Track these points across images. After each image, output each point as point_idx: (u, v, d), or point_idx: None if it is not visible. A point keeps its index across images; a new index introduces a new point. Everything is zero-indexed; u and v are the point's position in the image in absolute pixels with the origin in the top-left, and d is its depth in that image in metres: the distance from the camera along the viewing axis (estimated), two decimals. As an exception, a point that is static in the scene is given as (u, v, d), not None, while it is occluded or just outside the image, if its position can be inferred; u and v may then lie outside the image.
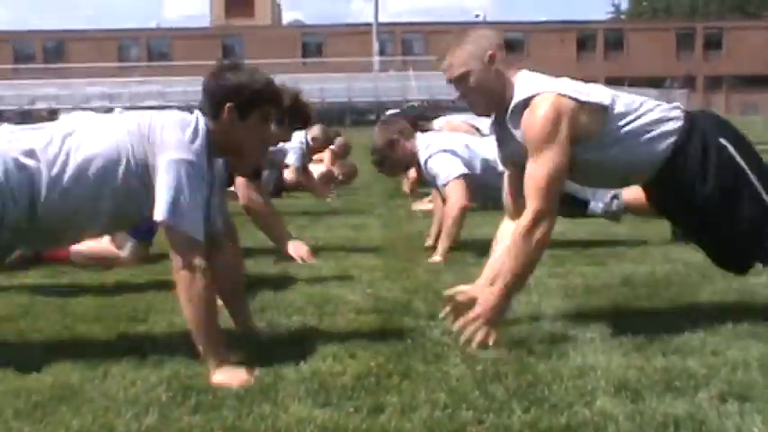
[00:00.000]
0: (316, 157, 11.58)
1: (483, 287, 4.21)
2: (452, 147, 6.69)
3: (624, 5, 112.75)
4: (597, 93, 4.08)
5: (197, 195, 3.67)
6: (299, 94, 6.33)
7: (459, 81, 4.13)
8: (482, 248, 5.32)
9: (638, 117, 4.10)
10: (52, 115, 59.11)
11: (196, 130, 3.78)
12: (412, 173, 9.10)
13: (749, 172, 4.07)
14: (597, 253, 6.48)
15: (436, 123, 11.01)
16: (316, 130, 10.58)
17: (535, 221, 3.88)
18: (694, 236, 4.60)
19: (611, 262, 6.12)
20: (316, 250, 6.65)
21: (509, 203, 4.41)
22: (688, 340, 3.92)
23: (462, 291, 4.32)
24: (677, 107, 4.26)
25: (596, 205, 6.81)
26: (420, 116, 9.51)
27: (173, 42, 75.71)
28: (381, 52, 66.05)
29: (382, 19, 67.64)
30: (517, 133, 4.05)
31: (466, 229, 6.68)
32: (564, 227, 7.02)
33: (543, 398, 3.22)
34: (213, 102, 3.88)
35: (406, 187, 11.10)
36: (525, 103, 3.98)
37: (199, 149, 3.73)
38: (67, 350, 3.90)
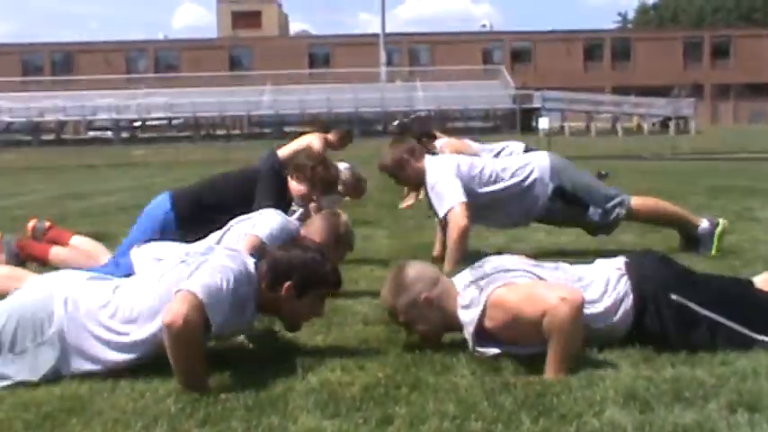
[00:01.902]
0: None
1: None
2: (456, 166, 6.67)
3: (631, 14, 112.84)
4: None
5: (231, 298, 3.70)
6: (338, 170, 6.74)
7: (406, 325, 4.21)
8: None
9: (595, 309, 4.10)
10: (61, 127, 59.39)
11: (251, 278, 3.87)
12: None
13: (707, 313, 4.05)
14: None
15: (437, 143, 10.98)
16: (345, 174, 10.43)
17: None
18: None
19: (619, 272, 6.10)
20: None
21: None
22: (696, 350, 3.91)
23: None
24: (621, 273, 4.21)
25: (595, 211, 6.77)
26: (423, 133, 9.37)
27: (180, 54, 75.83)
28: (388, 63, 66.06)
29: (389, 29, 67.61)
30: (493, 349, 4.03)
31: (474, 240, 6.68)
32: (572, 236, 7.03)
33: (552, 408, 3.22)
34: (275, 273, 3.92)
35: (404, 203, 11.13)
36: (480, 324, 3.96)
37: (246, 294, 3.83)
38: (77, 362, 3.90)
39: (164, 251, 5.16)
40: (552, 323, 3.66)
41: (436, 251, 6.98)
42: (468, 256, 6.37)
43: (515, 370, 3.72)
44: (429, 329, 4.14)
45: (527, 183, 6.63)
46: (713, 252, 6.61)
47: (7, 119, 56.91)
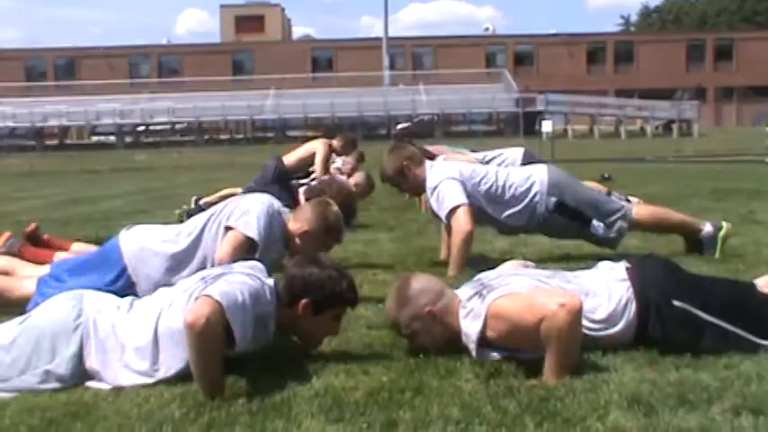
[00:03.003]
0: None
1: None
2: (458, 171, 6.67)
3: (634, 17, 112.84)
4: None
5: (251, 311, 3.71)
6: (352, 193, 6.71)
7: (409, 337, 4.20)
8: (493, 263, 5.32)
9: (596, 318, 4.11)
10: (64, 132, 59.41)
11: (270, 295, 3.90)
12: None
13: (710, 318, 4.05)
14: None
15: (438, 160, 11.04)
16: (359, 177, 10.44)
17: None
18: None
19: (622, 275, 6.09)
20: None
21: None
22: (701, 354, 3.90)
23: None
24: (623, 279, 4.21)
25: (598, 226, 6.76)
26: (411, 133, 9.41)
27: (183, 59, 75.89)
28: (391, 66, 66.16)
29: (392, 33, 67.75)
30: (496, 353, 4.03)
31: (478, 244, 6.68)
32: (576, 240, 7.02)
33: (556, 412, 3.22)
34: (292, 292, 3.93)
35: (422, 208, 11.04)
36: (482, 334, 3.96)
37: (267, 311, 3.86)
38: (81, 367, 3.90)
39: (152, 233, 5.15)
40: (550, 329, 3.65)
41: (443, 255, 6.97)
42: (473, 260, 6.38)
43: (519, 374, 3.72)
44: (431, 343, 4.13)
45: (528, 197, 6.61)
46: (717, 255, 6.61)
47: (11, 124, 57.06)
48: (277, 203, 5.30)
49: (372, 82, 62.51)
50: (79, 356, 3.75)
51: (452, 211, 6.42)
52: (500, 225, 6.90)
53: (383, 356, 4.03)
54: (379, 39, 66.94)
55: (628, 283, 4.17)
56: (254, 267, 4.04)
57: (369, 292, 5.67)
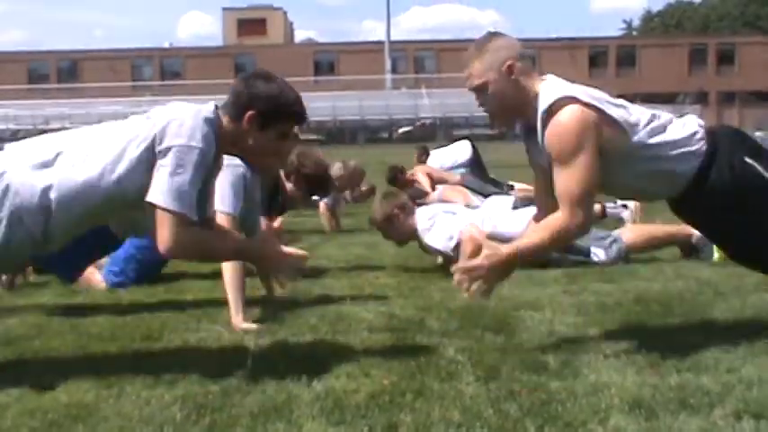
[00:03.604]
0: None
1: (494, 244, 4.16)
2: (442, 216, 6.74)
3: (636, 22, 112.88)
4: (623, 109, 4.04)
5: (197, 181, 3.75)
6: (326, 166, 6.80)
7: (478, 91, 4.12)
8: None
9: (664, 137, 4.08)
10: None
11: (211, 121, 3.83)
12: None
13: None
14: (610, 270, 6.47)
15: (436, 192, 11.12)
16: (336, 170, 10.40)
17: (566, 228, 3.89)
18: (726, 248, 4.58)
19: (623, 279, 6.10)
20: (328, 269, 6.67)
21: (540, 203, 4.38)
22: (702, 357, 3.90)
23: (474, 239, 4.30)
24: (700, 125, 4.23)
25: (598, 253, 6.77)
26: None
27: (185, 62, 76.03)
28: (393, 70, 66.24)
29: (394, 37, 67.87)
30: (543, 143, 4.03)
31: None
32: (577, 244, 7.01)
33: (557, 415, 3.22)
34: (237, 104, 3.92)
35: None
36: (549, 112, 3.95)
37: (209, 140, 3.79)
38: (82, 369, 3.91)
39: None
40: (554, 226, 3.92)
41: (440, 259, 6.97)
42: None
43: (520, 377, 3.72)
44: (498, 103, 4.10)
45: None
46: (716, 257, 6.59)
47: (13, 126, 57.06)
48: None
49: (374, 85, 62.59)
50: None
51: (455, 244, 6.45)
52: None
53: (384, 359, 4.02)
54: (381, 42, 67.06)
55: (704, 129, 4.20)
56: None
57: (370, 295, 5.68)
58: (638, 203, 8.45)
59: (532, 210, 5.82)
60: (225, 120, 3.91)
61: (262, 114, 3.89)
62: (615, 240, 6.79)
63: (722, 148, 4.12)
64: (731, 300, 5.18)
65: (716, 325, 4.64)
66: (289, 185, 6.58)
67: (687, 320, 4.79)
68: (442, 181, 11.68)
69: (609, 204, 8.42)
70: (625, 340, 4.20)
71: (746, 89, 76.05)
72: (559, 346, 4.21)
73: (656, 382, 3.59)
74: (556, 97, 3.93)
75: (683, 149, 4.09)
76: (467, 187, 10.88)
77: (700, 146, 4.12)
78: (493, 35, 4.21)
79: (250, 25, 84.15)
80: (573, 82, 4.14)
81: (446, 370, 3.84)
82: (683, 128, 4.15)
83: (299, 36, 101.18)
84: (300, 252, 4.06)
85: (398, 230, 6.87)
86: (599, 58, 79.16)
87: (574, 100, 3.92)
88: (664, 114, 4.22)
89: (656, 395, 3.42)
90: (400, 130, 20.62)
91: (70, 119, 57.74)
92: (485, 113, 4.22)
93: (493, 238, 5.16)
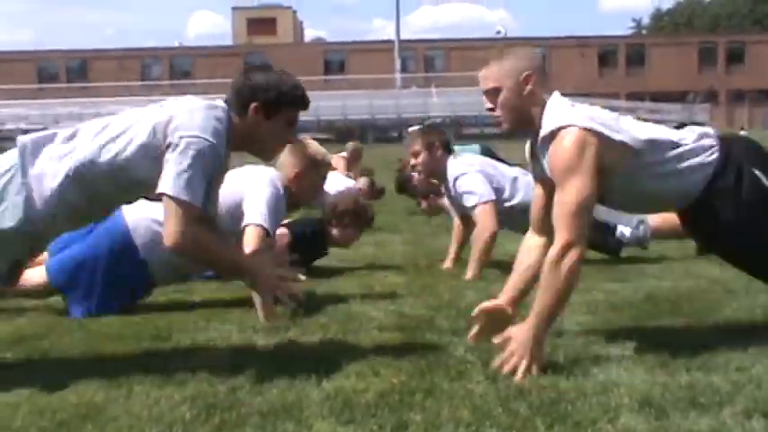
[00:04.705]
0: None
1: (515, 324, 4.10)
2: (483, 168, 6.64)
3: (645, 20, 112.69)
4: (627, 130, 4.00)
5: (206, 175, 3.79)
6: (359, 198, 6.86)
7: (490, 94, 4.10)
8: (505, 267, 5.32)
9: (671, 154, 4.07)
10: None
11: (220, 118, 3.87)
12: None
13: None
14: (619, 269, 6.47)
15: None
16: (362, 182, 10.42)
17: (564, 251, 3.77)
18: (729, 259, 4.56)
19: (633, 278, 6.10)
20: (338, 268, 6.68)
21: (535, 218, 4.36)
22: (712, 356, 3.90)
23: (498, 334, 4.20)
24: (711, 136, 4.21)
25: (624, 231, 6.77)
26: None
27: (195, 61, 76.10)
28: (403, 69, 66.18)
29: (404, 36, 67.82)
30: (545, 162, 4.03)
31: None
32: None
33: (567, 414, 3.21)
34: (240, 99, 3.98)
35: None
36: (552, 134, 3.94)
37: (220, 136, 3.84)
38: (91, 369, 3.91)
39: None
40: (552, 273, 3.78)
41: (449, 261, 6.92)
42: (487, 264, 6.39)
43: (530, 376, 3.71)
44: (506, 114, 4.08)
45: None
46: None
47: (23, 125, 57.05)
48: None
49: (384, 84, 62.57)
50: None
51: (482, 204, 6.35)
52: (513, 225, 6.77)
53: (394, 358, 4.02)
54: (390, 41, 67.03)
55: (715, 139, 4.20)
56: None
57: (380, 293, 5.68)
58: None
59: None
60: (232, 115, 3.96)
61: (266, 104, 3.96)
62: (642, 221, 6.78)
63: (733, 158, 4.11)
64: (741, 298, 5.17)
65: (726, 324, 4.63)
66: (335, 231, 6.59)
67: (697, 319, 4.78)
68: None
69: None
70: (635, 339, 4.19)
71: (756, 88, 75.85)
72: (569, 344, 4.20)
73: (665, 381, 3.58)
74: (559, 124, 3.92)
75: (694, 162, 4.09)
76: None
77: (712, 158, 4.12)
78: (515, 44, 4.26)
79: (260, 24, 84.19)
80: (580, 92, 4.17)
81: (456, 369, 3.83)
82: (695, 143, 4.14)
83: (309, 35, 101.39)
84: (298, 277, 3.99)
85: (432, 164, 6.76)
86: (609, 57, 79.03)
87: (575, 126, 3.91)
88: (674, 131, 4.21)
89: (665, 394, 3.41)
90: (409, 129, 20.58)
91: (80, 118, 57.87)
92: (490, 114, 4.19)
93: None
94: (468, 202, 6.43)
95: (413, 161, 6.82)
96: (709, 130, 4.30)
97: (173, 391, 3.59)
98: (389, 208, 11.97)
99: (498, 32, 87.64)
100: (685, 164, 4.08)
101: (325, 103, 57.34)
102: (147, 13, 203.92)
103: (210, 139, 3.77)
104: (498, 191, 6.54)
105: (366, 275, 6.51)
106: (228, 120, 3.92)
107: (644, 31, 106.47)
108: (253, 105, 3.95)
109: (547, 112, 4.01)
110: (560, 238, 3.81)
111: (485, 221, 6.31)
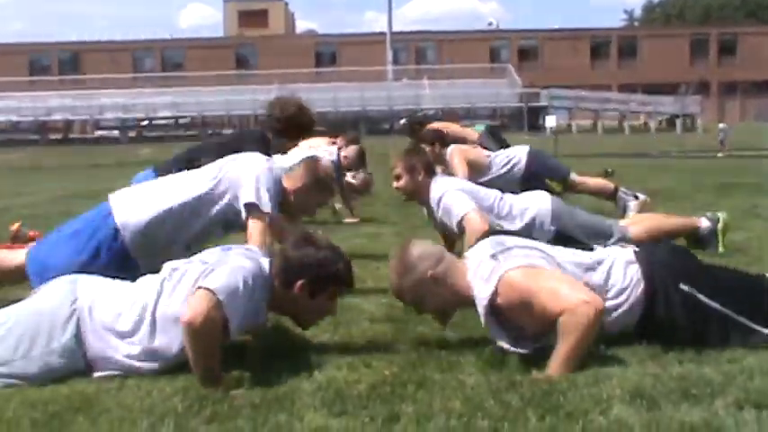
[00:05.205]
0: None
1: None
2: (464, 187, 6.61)
3: (638, 12, 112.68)
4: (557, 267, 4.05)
5: (246, 301, 3.71)
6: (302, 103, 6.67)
7: (416, 306, 4.18)
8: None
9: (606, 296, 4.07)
10: (68, 126, 59.47)
11: (266, 279, 3.88)
12: None
13: (715, 305, 4.03)
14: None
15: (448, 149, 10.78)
16: (351, 151, 10.29)
17: (582, 316, 3.71)
18: None
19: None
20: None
21: None
22: (704, 348, 3.90)
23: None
24: (632, 261, 4.20)
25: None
26: (436, 138, 9.11)
27: (187, 53, 75.79)
28: (395, 61, 66.04)
29: (396, 28, 67.70)
30: (503, 342, 3.99)
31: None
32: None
33: (558, 405, 3.22)
34: (288, 273, 3.91)
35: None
36: (492, 299, 3.93)
37: (262, 290, 3.85)
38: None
39: (143, 192, 5.08)
40: (570, 322, 3.65)
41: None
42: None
43: (522, 368, 3.72)
44: (441, 305, 4.12)
45: (526, 226, 6.48)
46: (720, 249, 6.60)
47: (15, 118, 56.98)
48: (270, 161, 5.26)
49: (376, 77, 62.40)
50: (76, 344, 3.75)
51: (463, 217, 6.32)
52: None
53: (386, 350, 4.03)
54: (382, 33, 66.82)
55: (636, 265, 4.16)
56: (250, 248, 4.05)
57: (372, 285, 5.68)
58: (647, 197, 8.43)
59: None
60: (276, 282, 3.92)
61: (312, 282, 3.91)
62: (620, 239, 6.71)
63: (659, 283, 4.11)
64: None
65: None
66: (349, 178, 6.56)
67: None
68: (459, 139, 11.00)
69: (622, 189, 8.44)
70: (627, 331, 4.19)
71: (748, 79, 75.85)
72: (561, 336, 4.20)
73: (657, 373, 3.59)
74: (494, 284, 3.93)
75: (620, 311, 4.11)
76: (483, 146, 10.43)
77: (637, 297, 4.12)
78: (404, 248, 4.21)
79: (251, 16, 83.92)
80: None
81: (447, 361, 3.84)
82: (621, 279, 4.15)
83: (301, 27, 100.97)
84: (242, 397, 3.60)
85: (413, 188, 6.58)
86: (601, 49, 78.89)
87: (505, 275, 3.93)
88: (599, 269, 4.19)
89: (657, 385, 3.42)
90: (401, 121, 20.56)
91: (72, 110, 57.76)
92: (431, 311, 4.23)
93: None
94: (452, 219, 6.35)
95: (394, 184, 6.75)
96: (630, 252, 4.29)
97: (164, 384, 3.60)
98: (382, 200, 11.96)
99: (490, 24, 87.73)
100: (614, 314, 4.08)
101: (316, 96, 57.19)
102: (138, 5, 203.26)
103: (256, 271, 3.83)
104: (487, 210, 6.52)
105: (358, 267, 6.44)
106: (270, 281, 3.91)
107: (636, 23, 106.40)
108: (299, 282, 3.90)
109: (472, 282, 4.04)
110: (570, 302, 3.76)
111: (471, 227, 6.18)
